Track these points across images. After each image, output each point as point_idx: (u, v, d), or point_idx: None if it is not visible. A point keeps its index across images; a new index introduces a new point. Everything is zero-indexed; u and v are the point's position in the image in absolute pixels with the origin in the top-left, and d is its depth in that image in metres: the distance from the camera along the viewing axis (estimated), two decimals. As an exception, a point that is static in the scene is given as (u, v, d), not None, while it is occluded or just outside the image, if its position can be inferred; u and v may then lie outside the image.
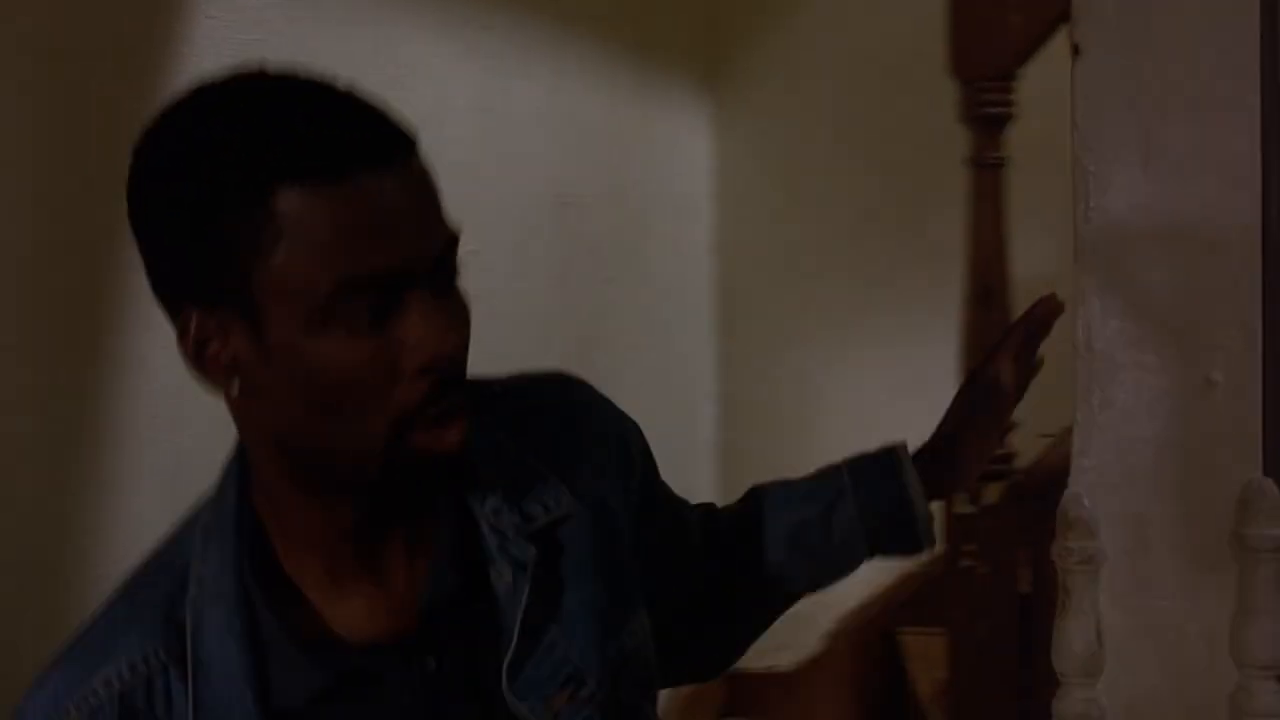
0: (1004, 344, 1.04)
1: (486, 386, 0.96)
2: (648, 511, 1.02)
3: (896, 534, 1.07)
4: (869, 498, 1.07)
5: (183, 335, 0.81)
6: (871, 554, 1.09)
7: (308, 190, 0.78)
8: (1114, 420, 0.88)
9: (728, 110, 3.37)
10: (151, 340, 1.45)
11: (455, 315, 0.83)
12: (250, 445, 0.87)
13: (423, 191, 0.82)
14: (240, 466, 0.89)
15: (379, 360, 0.81)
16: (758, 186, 3.53)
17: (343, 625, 0.88)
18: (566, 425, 0.99)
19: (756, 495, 1.13)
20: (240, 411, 0.84)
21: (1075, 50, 0.90)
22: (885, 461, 1.07)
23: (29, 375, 1.50)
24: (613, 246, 2.88)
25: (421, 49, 2.26)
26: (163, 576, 0.89)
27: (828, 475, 1.10)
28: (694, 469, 3.30)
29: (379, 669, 0.88)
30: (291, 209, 0.78)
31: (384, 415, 0.82)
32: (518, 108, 2.54)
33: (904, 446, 1.07)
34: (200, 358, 0.81)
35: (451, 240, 0.83)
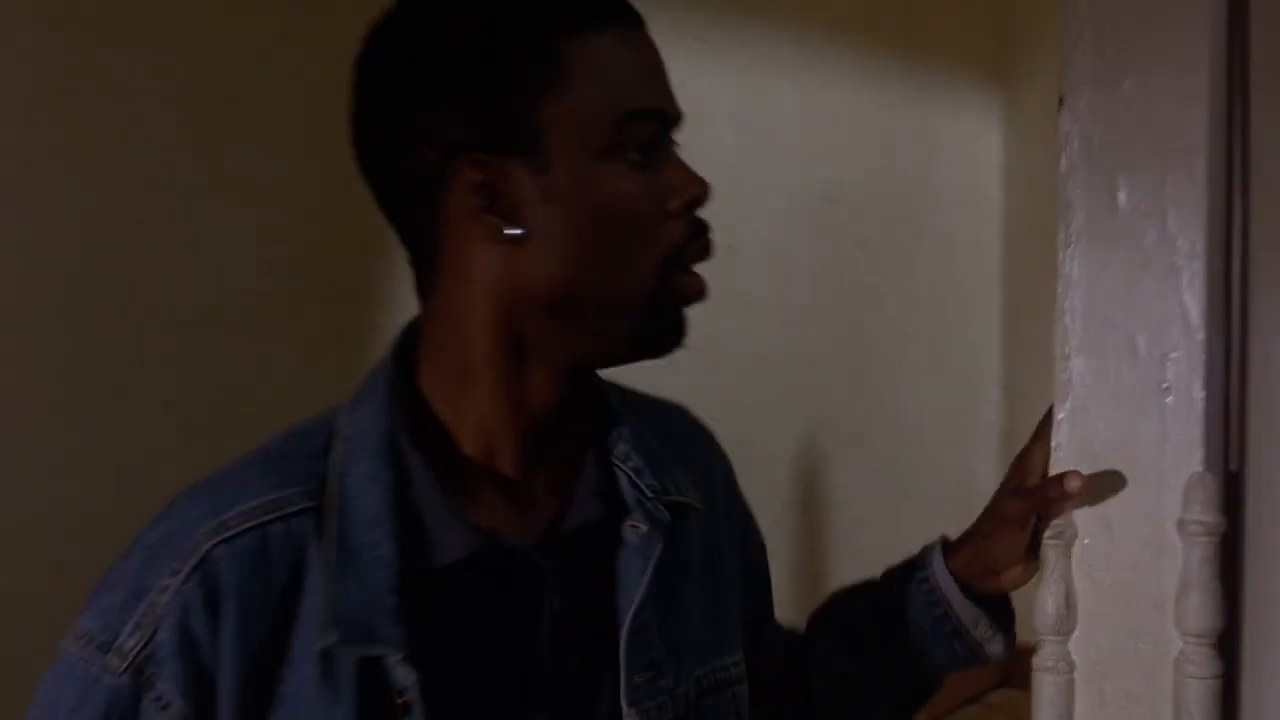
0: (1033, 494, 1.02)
1: (621, 389, 1.03)
2: (750, 548, 1.08)
3: (943, 643, 1.08)
4: (903, 604, 1.07)
5: (462, 186, 0.84)
6: (931, 665, 1.09)
7: (596, 36, 0.85)
8: (1083, 421, 1.03)
9: (1017, 105, 3.44)
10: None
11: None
12: (469, 319, 0.87)
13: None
14: (400, 354, 0.91)
15: (651, 195, 0.86)
16: (1047, 182, 3.54)
17: (482, 516, 0.90)
18: (690, 442, 1.06)
19: (821, 610, 1.15)
20: (499, 269, 0.85)
21: (1060, 101, 1.05)
22: (914, 562, 1.09)
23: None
24: (884, 242, 3.03)
25: (682, 64, 2.51)
26: (303, 441, 0.90)
27: (882, 581, 1.11)
28: (978, 451, 3.40)
29: (509, 564, 0.90)
30: (582, 52, 0.84)
31: (654, 254, 0.86)
32: (781, 113, 2.75)
33: (935, 548, 1.09)
34: (491, 200, 0.84)
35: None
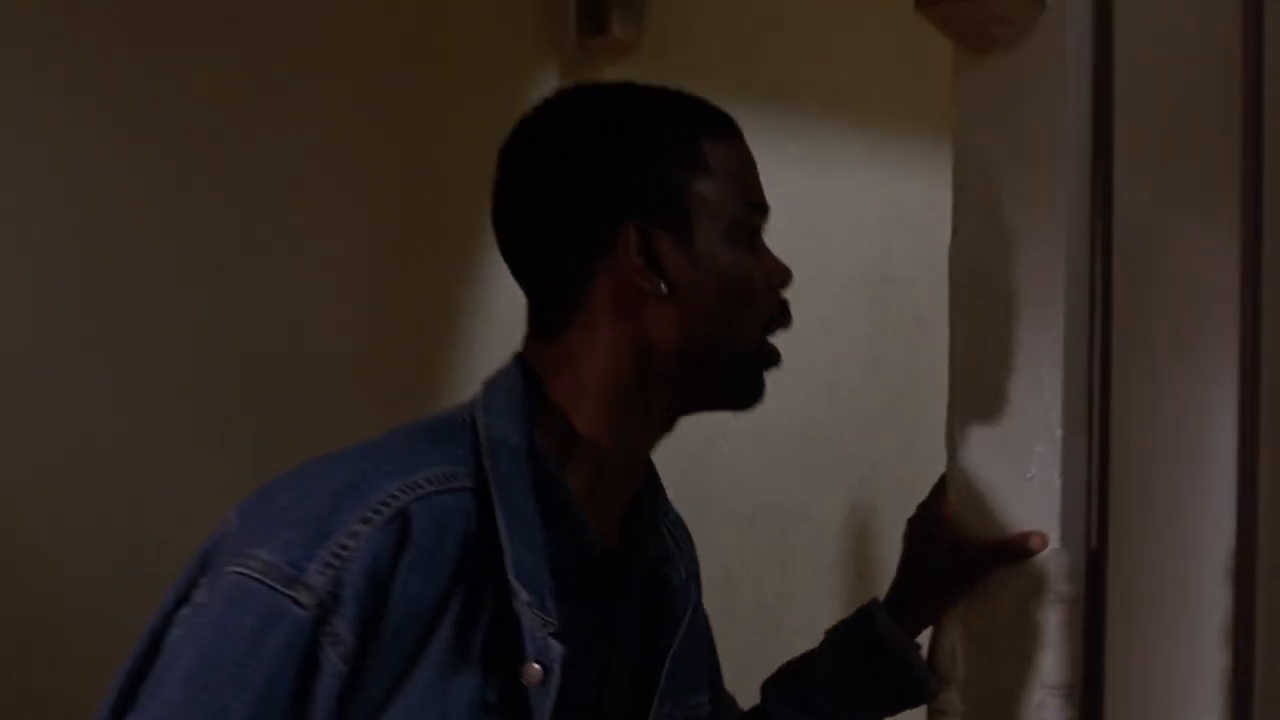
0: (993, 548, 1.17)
1: None
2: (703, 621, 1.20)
3: (894, 686, 1.21)
4: (856, 659, 1.21)
5: (624, 247, 0.99)
6: (881, 709, 1.23)
7: (725, 140, 1.05)
8: (968, 501, 1.22)
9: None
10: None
11: None
12: (611, 353, 1.01)
13: None
14: (522, 387, 1.01)
15: (761, 272, 1.05)
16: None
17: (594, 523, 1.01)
18: (673, 516, 1.19)
19: (766, 686, 1.26)
20: (645, 316, 1.00)
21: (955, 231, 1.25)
22: (860, 620, 1.23)
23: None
24: (936, 316, 3.17)
25: None
26: (456, 431, 0.99)
27: (821, 650, 1.24)
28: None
29: (607, 576, 1.03)
30: (717, 150, 1.03)
31: (759, 321, 1.05)
32: (834, 197, 2.94)
33: (875, 604, 1.23)
34: (648, 259, 1.00)
35: None
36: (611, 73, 2.43)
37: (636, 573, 1.07)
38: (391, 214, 2.18)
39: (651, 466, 1.10)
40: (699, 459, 2.62)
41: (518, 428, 0.98)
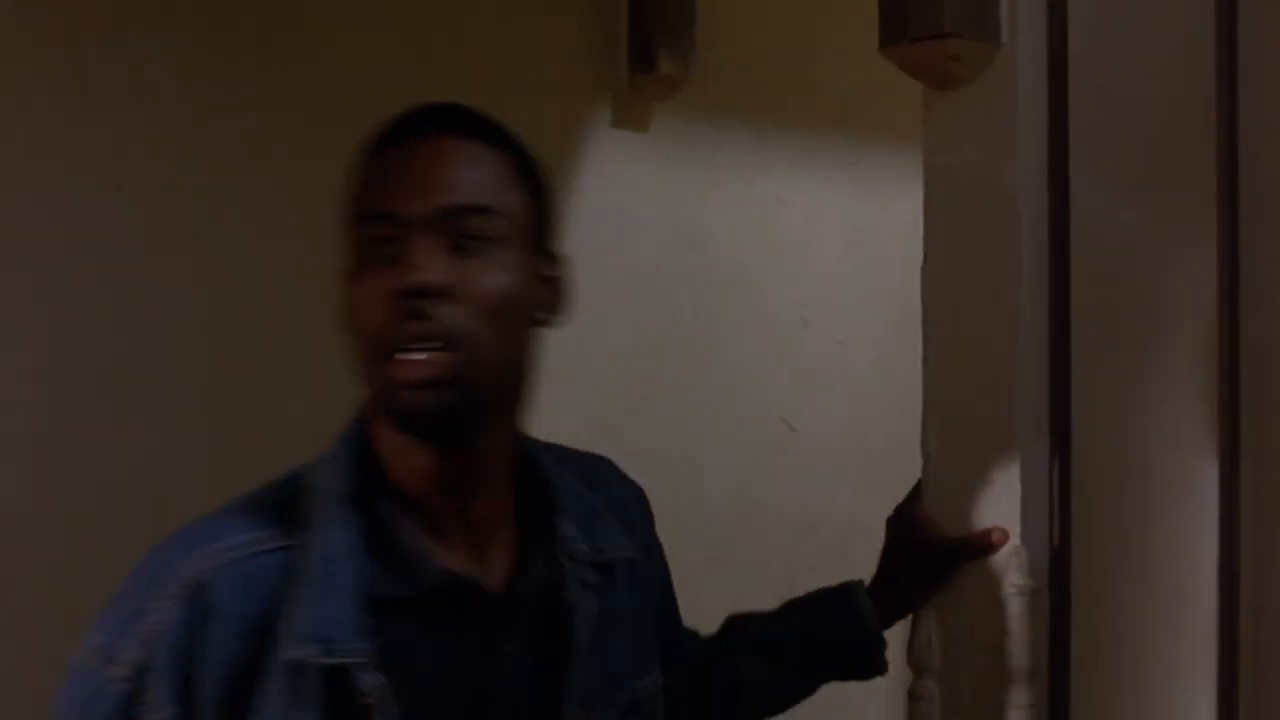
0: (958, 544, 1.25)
1: (554, 447, 1.19)
2: (659, 573, 1.26)
3: (855, 657, 1.32)
4: (832, 624, 1.31)
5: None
6: (833, 674, 1.34)
7: (366, 159, 1.03)
8: (938, 505, 1.32)
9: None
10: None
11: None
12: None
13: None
14: (360, 418, 1.04)
15: (362, 293, 1.00)
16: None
17: (451, 559, 1.03)
18: (613, 489, 1.22)
19: (735, 622, 1.35)
20: None
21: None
22: (843, 592, 1.33)
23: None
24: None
25: (791, 178, 2.79)
26: (276, 492, 1.02)
27: (797, 606, 1.34)
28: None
29: (468, 604, 1.02)
30: (356, 174, 1.02)
31: (369, 347, 1.00)
32: (891, 220, 3.01)
33: (860, 583, 1.33)
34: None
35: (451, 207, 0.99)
36: (661, 109, 2.56)
37: (521, 598, 1.06)
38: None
39: (546, 486, 1.10)
40: (759, 471, 2.72)
41: (343, 472, 1.00)
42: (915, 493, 1.36)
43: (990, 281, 1.29)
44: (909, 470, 1.37)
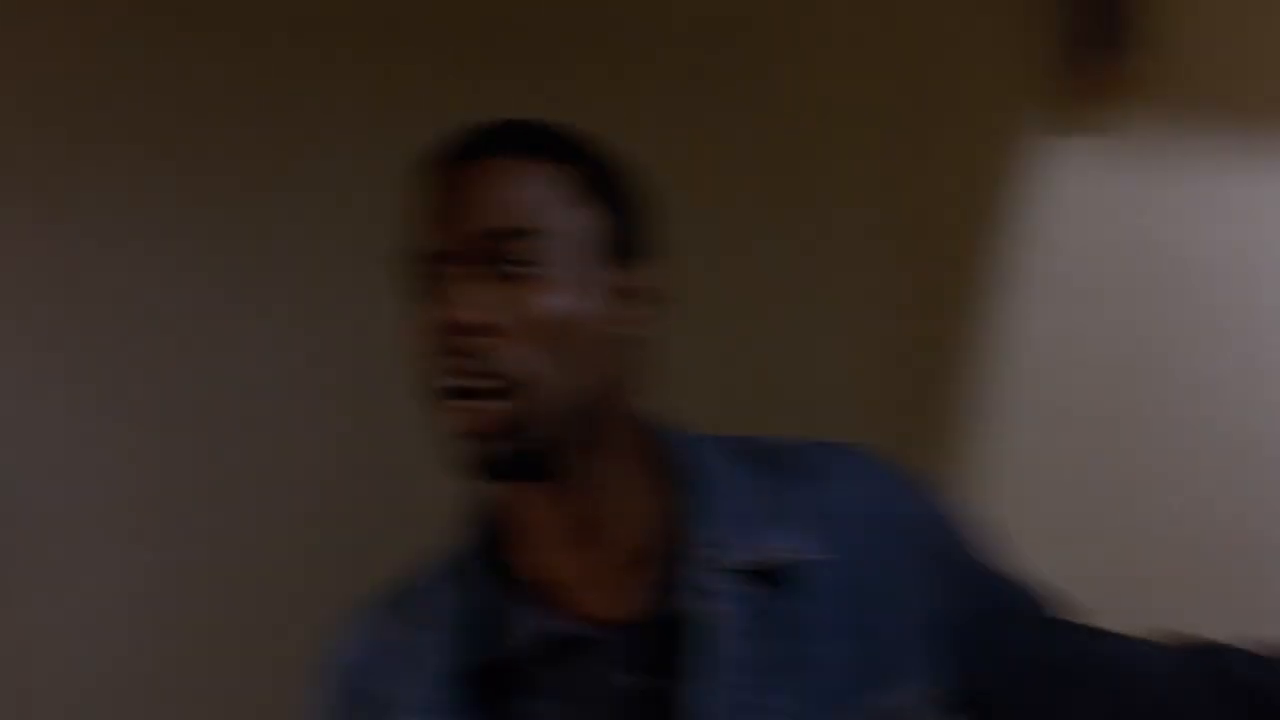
0: None
1: (765, 441, 1.01)
2: (952, 583, 0.98)
3: None
4: None
5: None
6: None
7: (425, 180, 0.92)
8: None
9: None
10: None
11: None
12: None
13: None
14: None
15: (423, 325, 0.92)
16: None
17: (561, 602, 0.94)
18: (844, 484, 0.98)
19: (1211, 649, 1.00)
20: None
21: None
22: None
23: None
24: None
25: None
26: (434, 563, 1.01)
27: None
28: None
29: (577, 645, 0.92)
30: (413, 199, 0.93)
31: (428, 380, 0.92)
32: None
33: None
34: None
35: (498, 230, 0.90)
36: (1110, 109, 2.05)
37: (634, 627, 0.93)
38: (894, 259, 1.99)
39: (697, 487, 0.96)
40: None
41: (475, 530, 0.98)
42: None
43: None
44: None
